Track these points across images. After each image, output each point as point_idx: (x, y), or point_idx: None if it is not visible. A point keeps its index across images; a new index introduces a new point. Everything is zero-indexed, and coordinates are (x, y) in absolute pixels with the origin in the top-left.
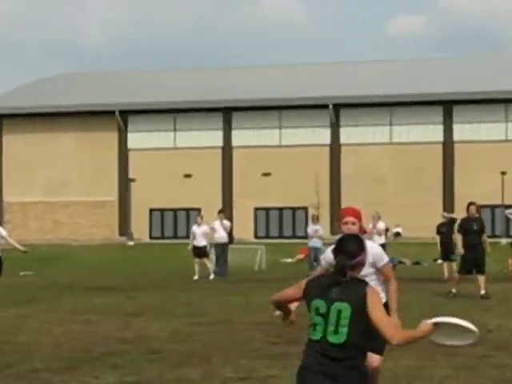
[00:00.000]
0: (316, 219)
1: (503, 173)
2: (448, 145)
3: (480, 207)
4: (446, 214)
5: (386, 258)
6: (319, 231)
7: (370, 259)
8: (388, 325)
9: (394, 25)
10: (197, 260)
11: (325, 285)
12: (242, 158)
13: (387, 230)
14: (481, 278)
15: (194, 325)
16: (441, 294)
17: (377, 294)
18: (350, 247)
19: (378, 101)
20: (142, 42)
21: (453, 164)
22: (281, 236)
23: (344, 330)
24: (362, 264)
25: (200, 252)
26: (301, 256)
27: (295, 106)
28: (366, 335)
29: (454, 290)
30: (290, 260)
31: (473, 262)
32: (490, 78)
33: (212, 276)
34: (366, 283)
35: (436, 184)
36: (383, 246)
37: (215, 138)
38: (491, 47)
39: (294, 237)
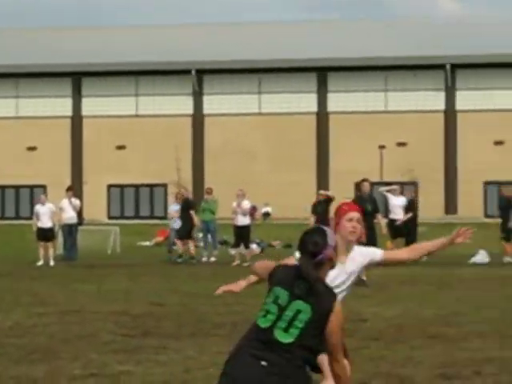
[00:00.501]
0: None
1: (382, 147)
2: (322, 116)
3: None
4: (322, 192)
5: (378, 250)
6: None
7: (364, 262)
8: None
9: None
10: (42, 243)
11: (291, 275)
12: (93, 128)
13: (254, 209)
14: None
15: (39, 316)
16: None
17: (340, 314)
18: (312, 245)
19: (245, 66)
20: None
21: (327, 138)
22: (137, 216)
23: (295, 332)
24: (329, 259)
25: (45, 234)
26: (159, 239)
27: (154, 71)
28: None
29: None
30: (147, 243)
31: None
32: (368, 44)
33: (52, 262)
34: (334, 296)
35: (309, 159)
36: (248, 227)
37: (63, 106)
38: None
39: (151, 217)
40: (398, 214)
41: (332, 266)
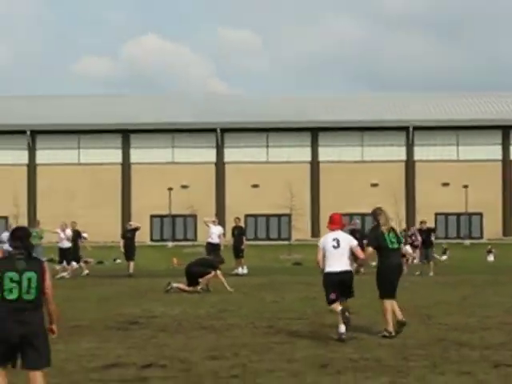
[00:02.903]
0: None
1: (170, 188)
2: (125, 166)
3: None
4: (132, 223)
5: None
6: None
7: None
8: None
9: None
10: None
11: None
12: None
13: (79, 234)
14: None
15: None
16: (124, 285)
17: None
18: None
19: (67, 128)
20: None
21: (130, 183)
22: None
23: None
24: None
25: None
26: None
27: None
28: None
29: None
30: None
31: None
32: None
33: None
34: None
35: (116, 198)
36: (69, 249)
37: None
38: (162, 88)
39: None
40: None
41: None
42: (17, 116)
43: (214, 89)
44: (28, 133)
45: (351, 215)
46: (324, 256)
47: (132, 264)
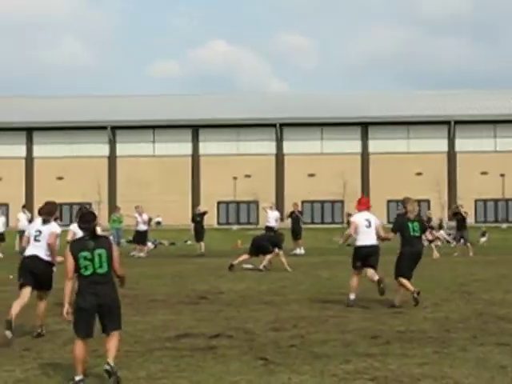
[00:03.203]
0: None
1: (235, 178)
2: (195, 158)
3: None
4: (200, 208)
5: None
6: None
7: None
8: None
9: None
10: None
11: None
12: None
13: (150, 219)
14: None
15: (1, 292)
16: (195, 264)
17: None
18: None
19: (143, 124)
20: None
21: (199, 172)
22: None
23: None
24: None
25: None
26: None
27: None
28: None
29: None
30: None
31: None
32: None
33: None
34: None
35: (186, 186)
36: (146, 232)
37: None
38: (227, 88)
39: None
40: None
41: None
42: (99, 113)
43: (273, 87)
44: (109, 128)
45: (397, 201)
46: (356, 232)
47: (202, 244)
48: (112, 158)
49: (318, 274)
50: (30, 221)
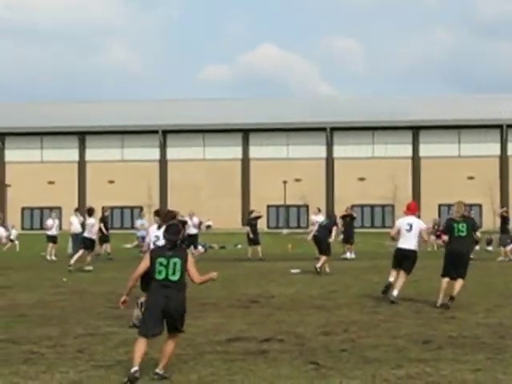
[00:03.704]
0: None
1: (285, 182)
2: (245, 162)
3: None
4: (254, 212)
5: None
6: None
7: None
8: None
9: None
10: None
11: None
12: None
13: (201, 223)
14: None
15: (55, 294)
16: (245, 268)
17: None
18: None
19: (194, 128)
20: None
21: (249, 176)
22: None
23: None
24: None
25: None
26: (137, 242)
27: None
28: None
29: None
30: (129, 246)
31: None
32: (276, 113)
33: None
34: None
35: (236, 190)
36: (196, 235)
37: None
38: (277, 92)
39: (132, 228)
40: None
41: None
42: (149, 117)
43: (322, 91)
44: (160, 132)
45: (449, 205)
46: (399, 234)
47: (259, 248)
48: (163, 162)
49: (368, 278)
50: (83, 224)
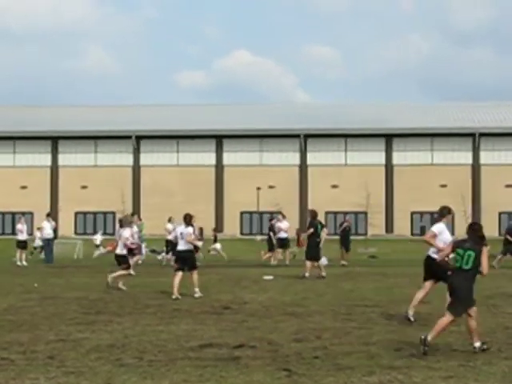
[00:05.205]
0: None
1: (258, 188)
2: (218, 168)
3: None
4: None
5: None
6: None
7: None
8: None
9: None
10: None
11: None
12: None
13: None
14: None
15: (26, 300)
16: (218, 274)
17: None
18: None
19: (167, 134)
20: None
21: (222, 183)
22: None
23: None
24: None
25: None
26: (109, 248)
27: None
28: None
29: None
30: (101, 251)
31: None
32: (249, 120)
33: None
34: None
35: (210, 196)
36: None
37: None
38: (252, 98)
39: (105, 233)
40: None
41: None
42: (123, 123)
43: (298, 98)
44: (133, 138)
45: (422, 213)
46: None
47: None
48: (136, 168)
49: (341, 286)
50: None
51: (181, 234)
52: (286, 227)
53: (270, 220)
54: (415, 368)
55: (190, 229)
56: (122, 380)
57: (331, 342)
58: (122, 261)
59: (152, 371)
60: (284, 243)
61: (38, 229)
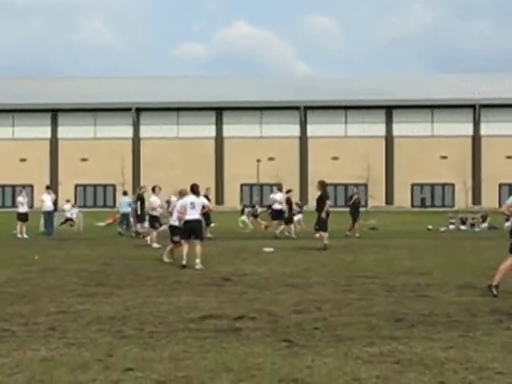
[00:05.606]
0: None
1: (258, 160)
2: (218, 140)
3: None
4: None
5: None
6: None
7: None
8: None
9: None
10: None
11: None
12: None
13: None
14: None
15: (27, 272)
16: (218, 246)
17: None
18: None
19: (167, 106)
20: None
21: (222, 155)
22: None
23: None
24: None
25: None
26: (110, 220)
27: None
28: None
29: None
30: (101, 224)
31: None
32: (247, 92)
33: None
34: None
35: (210, 168)
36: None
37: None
38: (252, 70)
39: (105, 206)
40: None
41: None
42: (123, 95)
43: (297, 70)
44: (133, 110)
45: (422, 185)
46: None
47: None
48: (136, 140)
49: (342, 257)
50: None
51: (191, 203)
52: (281, 198)
53: (287, 192)
54: (415, 339)
55: (203, 199)
56: (123, 351)
57: (331, 313)
58: (174, 232)
59: (153, 342)
60: (279, 215)
61: (68, 200)
